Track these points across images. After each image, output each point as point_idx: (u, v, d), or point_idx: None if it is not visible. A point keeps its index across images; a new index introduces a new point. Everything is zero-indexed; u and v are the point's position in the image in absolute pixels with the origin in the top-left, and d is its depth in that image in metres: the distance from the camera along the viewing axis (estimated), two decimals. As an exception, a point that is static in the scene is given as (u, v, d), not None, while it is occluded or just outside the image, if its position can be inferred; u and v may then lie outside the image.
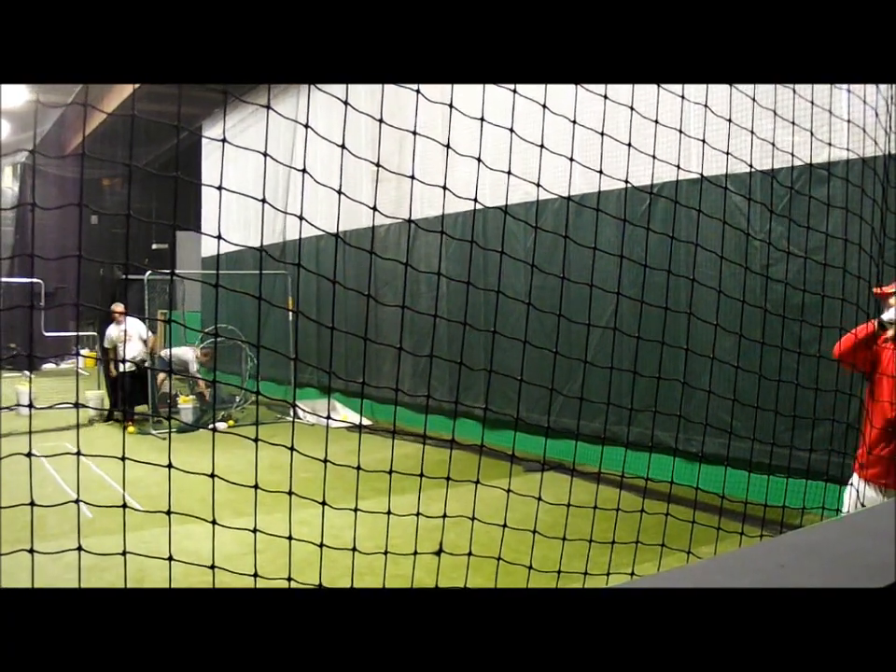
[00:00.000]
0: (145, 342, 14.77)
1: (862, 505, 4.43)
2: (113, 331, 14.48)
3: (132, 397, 14.26)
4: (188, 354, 14.91)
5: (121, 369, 14.24)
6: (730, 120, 3.84)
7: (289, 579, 2.92)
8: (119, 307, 14.57)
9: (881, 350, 4.49)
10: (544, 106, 3.28)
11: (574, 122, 3.37)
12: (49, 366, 23.55)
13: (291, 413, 13.58)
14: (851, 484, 4.66)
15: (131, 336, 14.13)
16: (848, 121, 5.00)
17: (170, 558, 2.81)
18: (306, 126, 3.06)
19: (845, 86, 5.69)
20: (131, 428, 13.36)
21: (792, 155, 4.21)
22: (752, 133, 3.90)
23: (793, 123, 4.19)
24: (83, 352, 22.63)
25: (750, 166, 4.28)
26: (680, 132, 3.79)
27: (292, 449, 2.91)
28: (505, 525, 3.42)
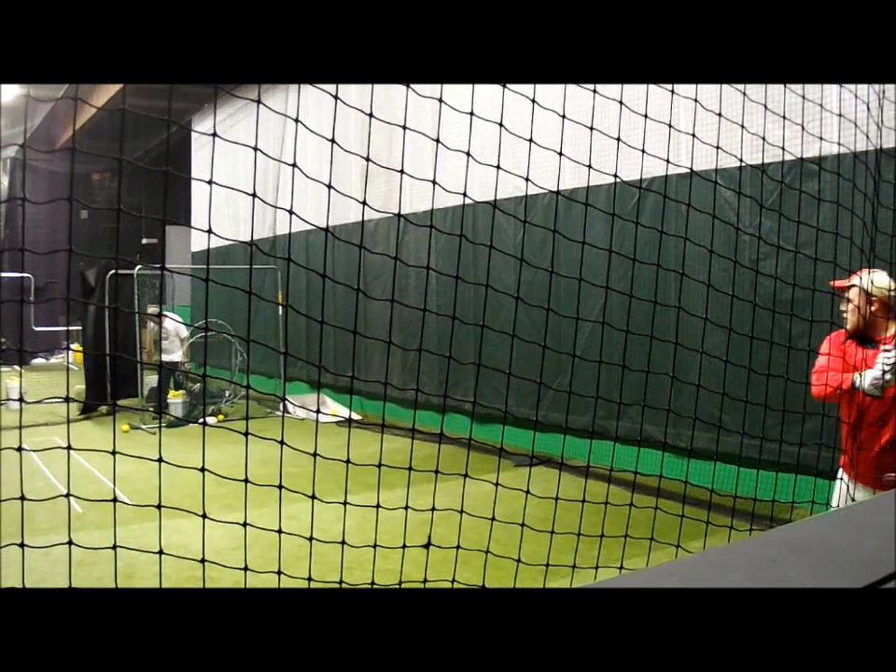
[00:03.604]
0: (182, 340, 15.00)
1: (852, 499, 4.45)
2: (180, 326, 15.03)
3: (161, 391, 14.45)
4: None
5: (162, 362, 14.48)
6: (720, 115, 3.85)
7: (279, 572, 2.92)
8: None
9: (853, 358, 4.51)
10: (533, 101, 3.28)
11: (563, 117, 3.37)
12: (38, 360, 23.53)
13: (281, 408, 13.59)
14: (840, 479, 4.68)
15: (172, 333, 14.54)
16: (839, 116, 5.01)
17: (160, 552, 2.81)
18: (296, 121, 3.06)
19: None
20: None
21: (783, 149, 4.22)
22: (742, 127, 3.90)
23: (784, 118, 4.19)
24: (73, 346, 22.59)
25: (740, 160, 4.29)
26: (670, 126, 3.79)
27: (282, 443, 2.91)
28: (494, 519, 3.43)
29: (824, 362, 4.59)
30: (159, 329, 14.63)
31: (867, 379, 4.30)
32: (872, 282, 4.44)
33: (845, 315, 4.59)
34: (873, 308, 4.45)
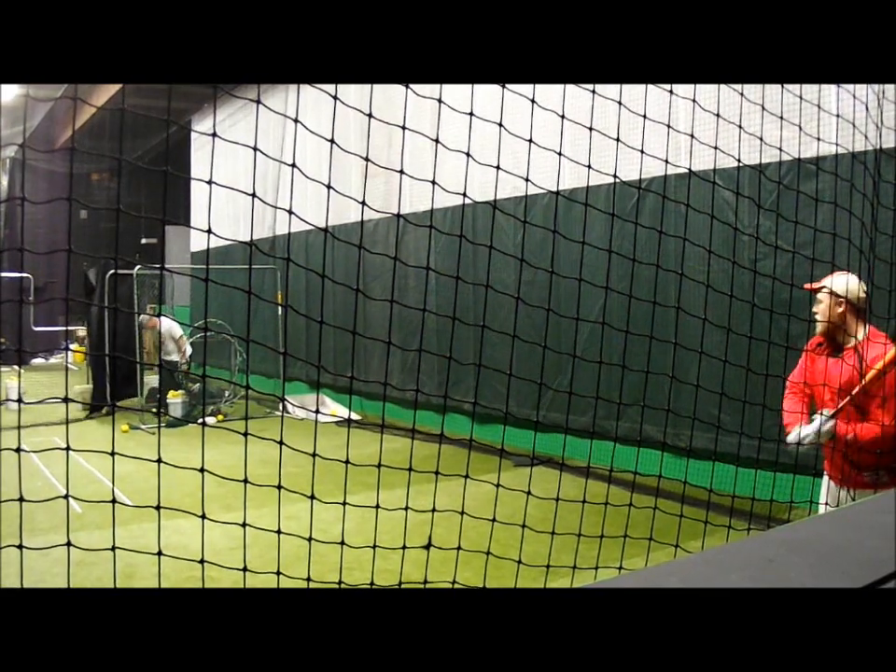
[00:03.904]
0: (177, 340, 15.07)
1: (853, 499, 4.45)
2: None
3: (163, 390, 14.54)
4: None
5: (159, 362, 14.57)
6: (718, 115, 3.85)
7: (278, 573, 2.92)
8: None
9: (814, 359, 4.58)
10: (533, 101, 3.28)
11: (563, 117, 3.37)
12: (38, 360, 23.52)
13: (280, 408, 13.60)
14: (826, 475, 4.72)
15: (166, 335, 14.64)
16: (837, 116, 5.00)
17: (159, 553, 2.80)
18: (295, 121, 3.06)
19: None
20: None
21: (781, 150, 4.22)
22: (741, 127, 3.90)
23: (782, 118, 4.19)
24: (72, 346, 22.59)
25: (738, 161, 4.29)
26: (669, 126, 3.79)
27: (281, 443, 2.91)
28: (494, 520, 3.43)
29: (796, 374, 4.75)
30: (158, 330, 14.65)
31: (791, 436, 4.48)
32: (842, 284, 4.46)
33: (817, 317, 4.61)
34: (840, 310, 4.47)
